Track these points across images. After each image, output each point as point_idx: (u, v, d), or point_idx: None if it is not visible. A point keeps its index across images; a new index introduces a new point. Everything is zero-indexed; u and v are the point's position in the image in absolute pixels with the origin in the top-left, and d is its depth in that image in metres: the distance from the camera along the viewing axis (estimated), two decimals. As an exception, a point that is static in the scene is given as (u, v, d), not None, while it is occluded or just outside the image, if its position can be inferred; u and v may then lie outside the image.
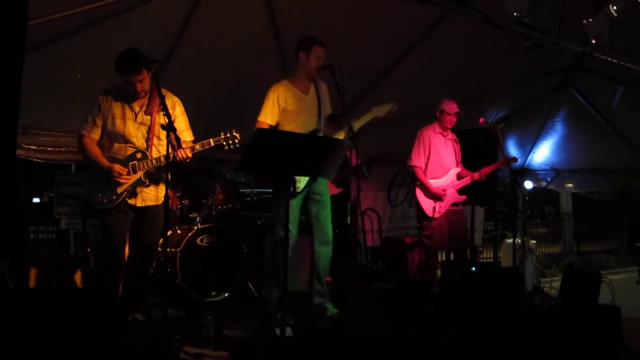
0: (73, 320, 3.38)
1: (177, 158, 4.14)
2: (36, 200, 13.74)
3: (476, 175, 5.96)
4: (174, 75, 5.64)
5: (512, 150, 8.75)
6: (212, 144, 4.27)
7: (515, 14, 4.11)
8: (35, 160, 6.16)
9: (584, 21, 4.41)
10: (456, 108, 5.89)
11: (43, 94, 5.31)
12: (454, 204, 5.98)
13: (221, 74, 5.85)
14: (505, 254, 8.43)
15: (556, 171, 9.50)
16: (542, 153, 9.15)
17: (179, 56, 5.79)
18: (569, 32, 4.83)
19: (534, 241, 8.50)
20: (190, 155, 4.21)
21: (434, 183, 5.93)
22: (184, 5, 5.38)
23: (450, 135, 6.07)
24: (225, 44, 5.75)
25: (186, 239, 5.39)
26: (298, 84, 4.81)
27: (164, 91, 4.21)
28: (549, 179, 9.73)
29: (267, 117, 4.64)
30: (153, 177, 4.33)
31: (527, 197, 9.45)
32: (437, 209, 5.89)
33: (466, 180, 5.98)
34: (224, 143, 4.26)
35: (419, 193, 5.99)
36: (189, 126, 4.50)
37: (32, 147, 6.02)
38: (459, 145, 6.11)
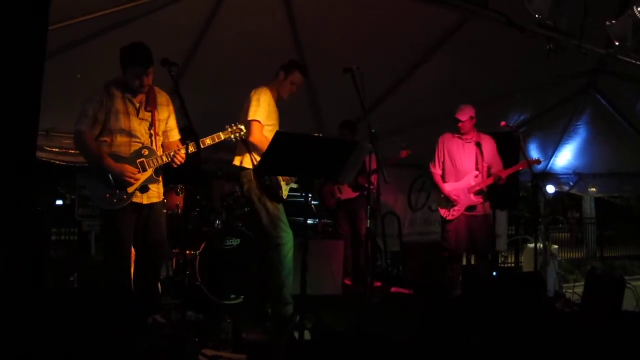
0: (93, 322, 3.40)
1: (175, 162, 4.15)
2: (59, 202, 13.87)
3: (493, 178, 5.88)
4: (193, 78, 5.69)
5: (534, 154, 8.63)
6: (223, 138, 4.25)
7: (537, 16, 4.05)
8: (57, 162, 6.21)
9: (607, 23, 4.33)
10: (465, 115, 5.86)
11: (65, 97, 5.36)
12: (470, 209, 5.92)
13: (240, 78, 5.86)
14: (527, 259, 8.35)
15: (579, 175, 9.39)
16: (565, 157, 9.03)
17: (198, 60, 5.83)
18: (591, 34, 4.76)
19: (556, 246, 8.39)
20: (184, 159, 4.18)
21: (452, 185, 5.98)
22: (204, 10, 5.42)
23: (473, 139, 6.00)
24: (244, 49, 5.78)
25: (206, 241, 5.40)
26: (274, 94, 4.76)
27: (157, 89, 4.26)
28: (571, 183, 9.61)
29: (264, 118, 4.57)
30: (160, 173, 4.26)
31: (549, 202, 9.34)
32: (451, 212, 5.96)
33: (486, 182, 5.91)
34: (232, 137, 4.28)
35: (436, 196, 6.14)
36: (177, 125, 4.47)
37: (54, 149, 6.08)
38: (487, 148, 5.99)
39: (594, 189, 9.76)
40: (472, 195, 5.91)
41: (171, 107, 4.38)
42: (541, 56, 5.52)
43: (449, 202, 5.95)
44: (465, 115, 5.87)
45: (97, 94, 4.12)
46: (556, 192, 9.87)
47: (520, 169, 6.17)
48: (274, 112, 4.71)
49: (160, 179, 4.30)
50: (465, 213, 5.93)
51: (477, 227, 5.96)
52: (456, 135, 6.03)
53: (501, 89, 7.00)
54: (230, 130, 4.30)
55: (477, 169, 5.95)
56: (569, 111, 8.12)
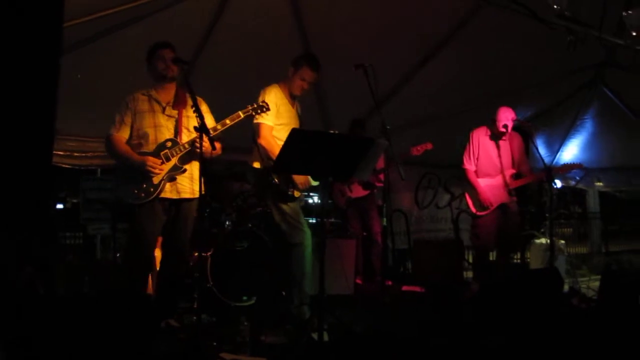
0: (106, 327, 3.33)
1: (197, 148, 4.03)
2: (59, 206, 13.73)
3: (533, 178, 5.94)
4: (200, 76, 5.62)
5: (540, 149, 8.57)
6: (242, 116, 4.20)
7: (555, 7, 3.99)
8: (62, 165, 6.14)
9: (624, 13, 4.27)
10: (508, 119, 5.76)
11: (69, 99, 5.25)
12: (503, 205, 5.86)
13: (248, 76, 5.80)
14: (534, 255, 8.29)
15: (585, 169, 9.33)
16: (571, 151, 8.99)
17: (205, 57, 5.77)
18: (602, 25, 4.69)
19: (562, 241, 8.34)
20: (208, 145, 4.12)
21: (486, 182, 5.87)
22: (210, 8, 5.36)
23: (506, 137, 5.91)
24: (251, 46, 5.72)
25: (217, 242, 5.32)
26: (285, 92, 4.67)
27: (187, 92, 4.17)
28: (577, 178, 9.57)
29: (272, 118, 4.49)
30: (186, 162, 4.23)
31: (554, 197, 9.29)
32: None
33: (523, 181, 5.90)
34: (253, 113, 4.26)
35: (468, 192, 6.01)
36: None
37: (59, 152, 6.01)
38: (517, 143, 5.98)
39: (600, 183, 9.73)
40: (507, 193, 5.84)
41: (204, 107, 4.33)
42: (548, 49, 5.47)
43: (483, 200, 5.84)
44: (505, 120, 5.76)
45: (124, 99, 4.25)
46: (562, 186, 9.83)
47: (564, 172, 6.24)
48: (286, 111, 4.62)
49: (195, 174, 4.27)
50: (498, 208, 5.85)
51: (507, 222, 5.86)
52: (488, 132, 5.93)
53: (509, 83, 6.93)
54: (251, 108, 4.26)
55: (513, 167, 5.92)
56: (575, 105, 8.08)
